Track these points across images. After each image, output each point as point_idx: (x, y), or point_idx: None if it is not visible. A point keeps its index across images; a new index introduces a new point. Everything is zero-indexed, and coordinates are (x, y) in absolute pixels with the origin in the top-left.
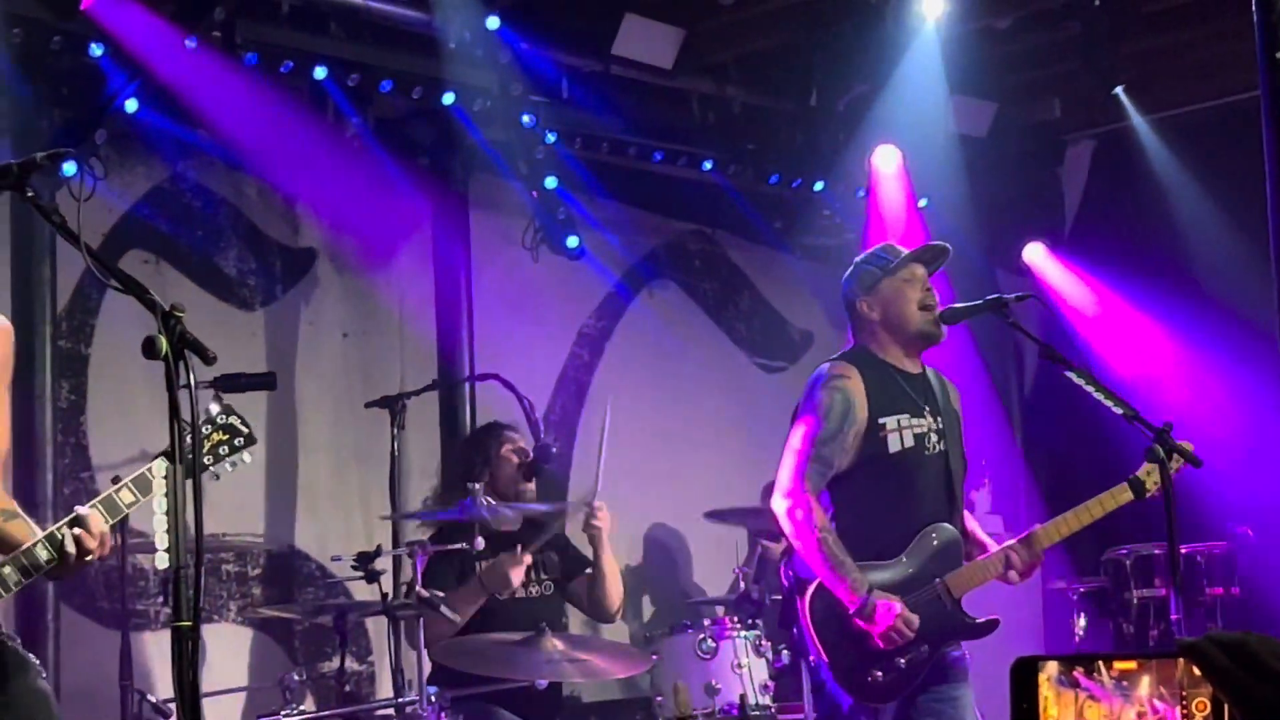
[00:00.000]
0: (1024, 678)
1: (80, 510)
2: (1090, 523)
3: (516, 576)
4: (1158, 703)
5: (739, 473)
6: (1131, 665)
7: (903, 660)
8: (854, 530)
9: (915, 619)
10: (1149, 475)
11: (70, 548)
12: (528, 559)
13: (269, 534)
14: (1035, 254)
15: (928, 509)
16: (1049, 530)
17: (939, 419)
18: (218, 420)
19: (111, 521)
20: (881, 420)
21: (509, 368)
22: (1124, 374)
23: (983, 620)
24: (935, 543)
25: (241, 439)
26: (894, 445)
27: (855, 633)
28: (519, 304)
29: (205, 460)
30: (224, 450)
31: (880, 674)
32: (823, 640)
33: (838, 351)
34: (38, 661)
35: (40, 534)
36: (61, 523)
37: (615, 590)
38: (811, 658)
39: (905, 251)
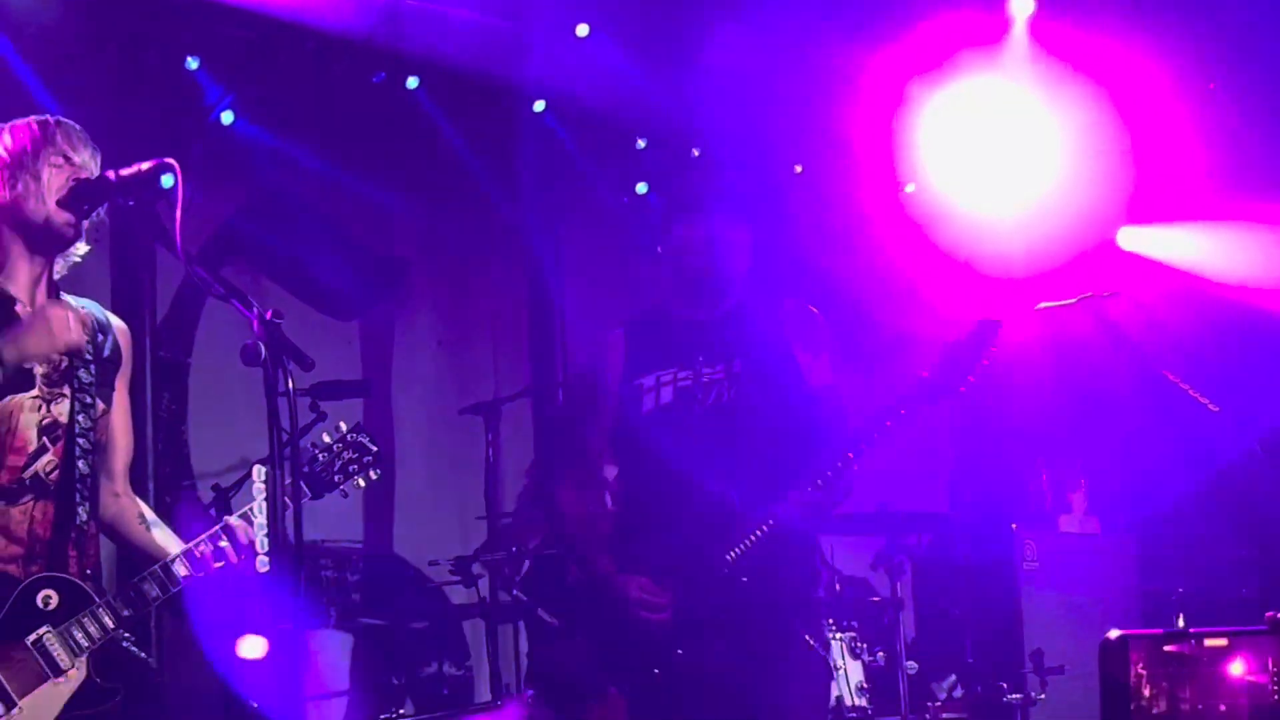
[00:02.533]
0: (1115, 655)
1: (230, 520)
2: None
3: None
4: (1250, 678)
5: None
6: (1223, 642)
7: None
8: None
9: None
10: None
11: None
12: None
13: (367, 540)
14: (1129, 237)
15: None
16: None
17: (717, 365)
18: (348, 438)
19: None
20: (637, 381)
21: None
22: None
23: None
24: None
25: (370, 457)
26: (648, 404)
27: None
28: (610, 309)
29: (335, 478)
30: (353, 468)
31: None
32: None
33: None
34: (155, 664)
35: (179, 542)
36: (202, 537)
37: None
38: None
39: None
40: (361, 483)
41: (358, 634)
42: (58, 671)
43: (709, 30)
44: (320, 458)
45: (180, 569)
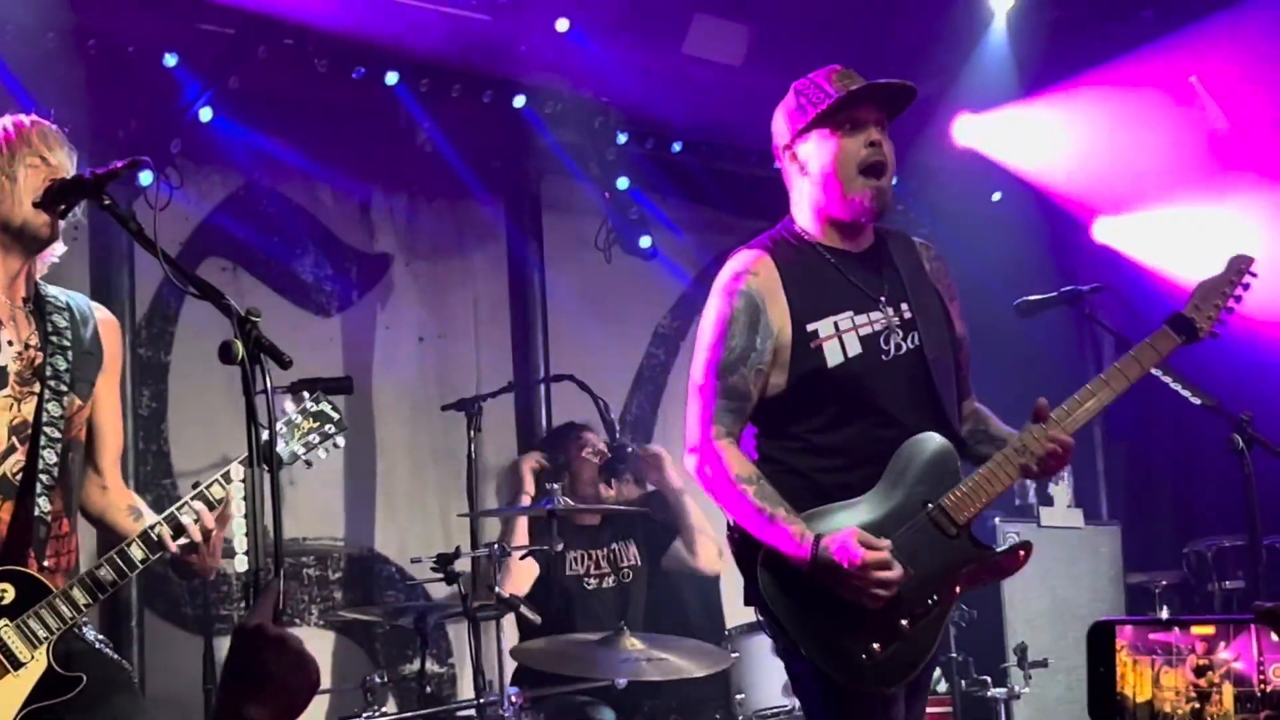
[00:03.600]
0: (1101, 642)
1: (188, 499)
2: (1124, 390)
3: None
4: (1235, 666)
5: None
6: (1209, 630)
7: (905, 621)
8: (799, 475)
9: (888, 558)
10: (1198, 310)
11: (193, 533)
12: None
13: (349, 537)
14: (1104, 228)
15: (899, 427)
16: (1072, 407)
17: (903, 306)
18: (309, 408)
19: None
20: (811, 327)
21: (584, 369)
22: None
23: (1008, 547)
24: (918, 461)
25: (332, 425)
26: (833, 357)
27: (826, 597)
28: (593, 305)
29: (298, 449)
30: (315, 438)
31: (878, 646)
32: (786, 619)
33: None
34: (127, 664)
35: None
36: (159, 518)
37: (702, 545)
38: (780, 645)
39: (853, 83)
40: (323, 454)
41: (339, 632)
42: (16, 664)
43: (691, 24)
44: (282, 429)
45: (136, 552)
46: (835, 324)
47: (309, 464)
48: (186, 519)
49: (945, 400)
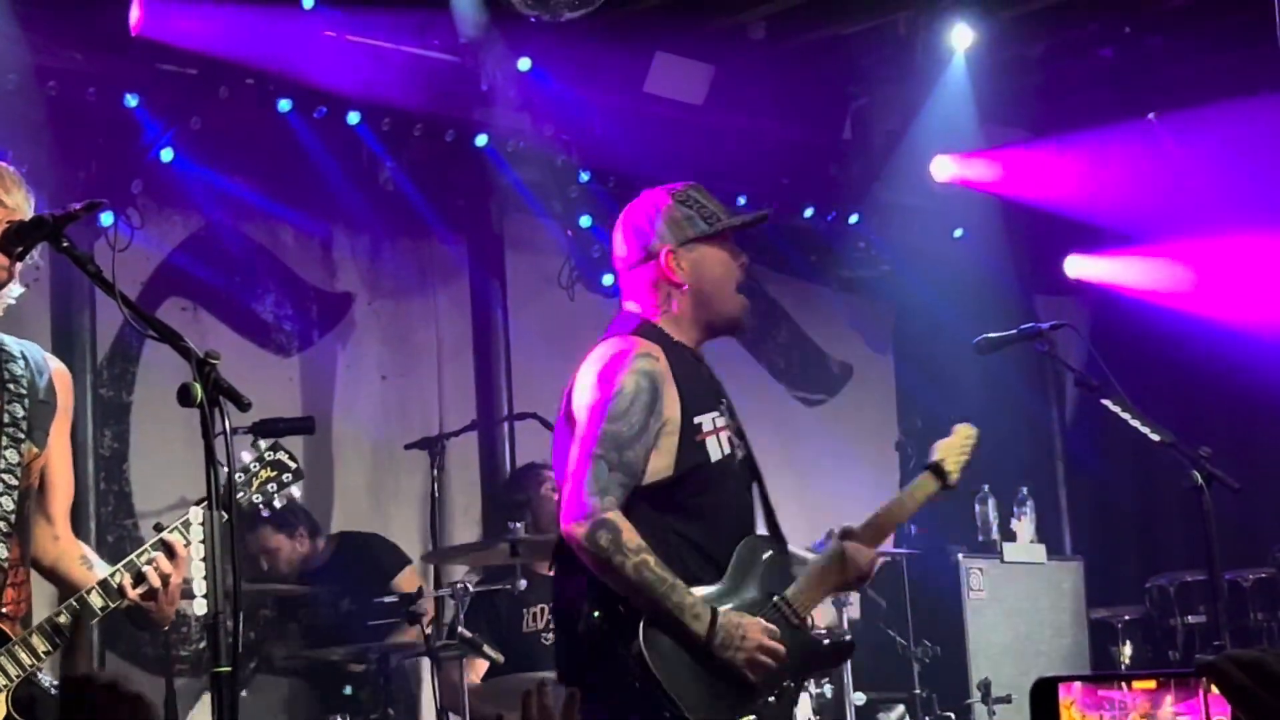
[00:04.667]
0: (1043, 699)
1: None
2: (906, 518)
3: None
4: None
5: (782, 507)
6: (1151, 684)
7: (772, 698)
8: (667, 559)
9: (777, 631)
10: (946, 458)
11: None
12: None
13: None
14: (1076, 265)
15: (746, 525)
16: (869, 528)
17: (734, 416)
18: (265, 456)
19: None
20: (697, 420)
21: (547, 406)
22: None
23: (836, 641)
24: (761, 556)
25: (289, 474)
26: (714, 453)
27: (711, 673)
28: (556, 342)
29: (255, 497)
30: (271, 486)
31: (753, 717)
32: (676, 692)
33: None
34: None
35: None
36: (118, 566)
37: None
38: (666, 715)
39: (726, 212)
40: (278, 503)
41: (298, 675)
42: None
43: (652, 63)
44: (240, 478)
45: (96, 600)
46: (714, 420)
47: (266, 512)
48: (145, 567)
49: (771, 506)
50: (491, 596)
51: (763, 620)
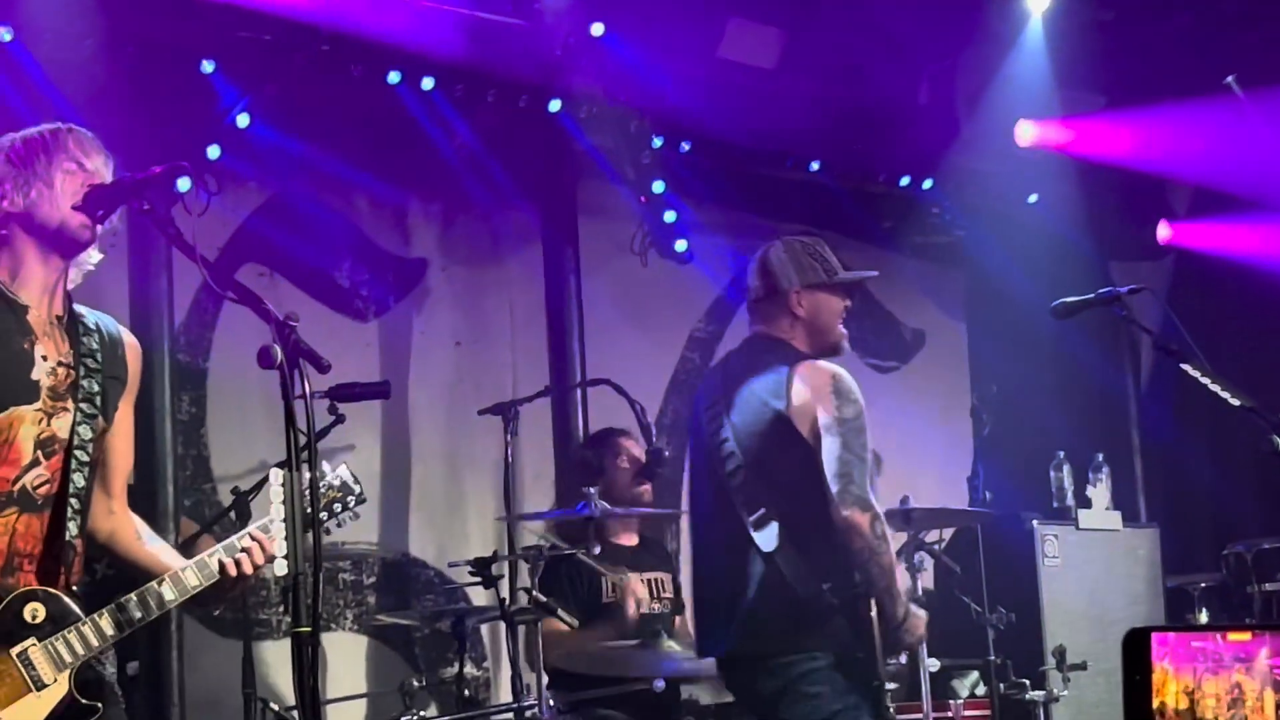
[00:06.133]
0: (1136, 650)
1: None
2: None
3: (640, 590)
4: (1276, 674)
5: None
6: (1246, 636)
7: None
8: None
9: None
10: None
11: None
12: (639, 588)
13: (383, 541)
14: (1164, 230)
15: None
16: None
17: None
18: (331, 482)
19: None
20: None
21: (620, 372)
22: None
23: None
24: None
25: (353, 497)
26: None
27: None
28: (629, 308)
29: (320, 516)
30: (336, 507)
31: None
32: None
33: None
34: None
35: (177, 556)
36: (204, 554)
37: None
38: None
39: (842, 269)
40: (338, 525)
41: (375, 636)
42: (40, 685)
43: (726, 28)
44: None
45: (168, 591)
46: None
47: (328, 531)
48: (240, 554)
49: None
50: (567, 560)
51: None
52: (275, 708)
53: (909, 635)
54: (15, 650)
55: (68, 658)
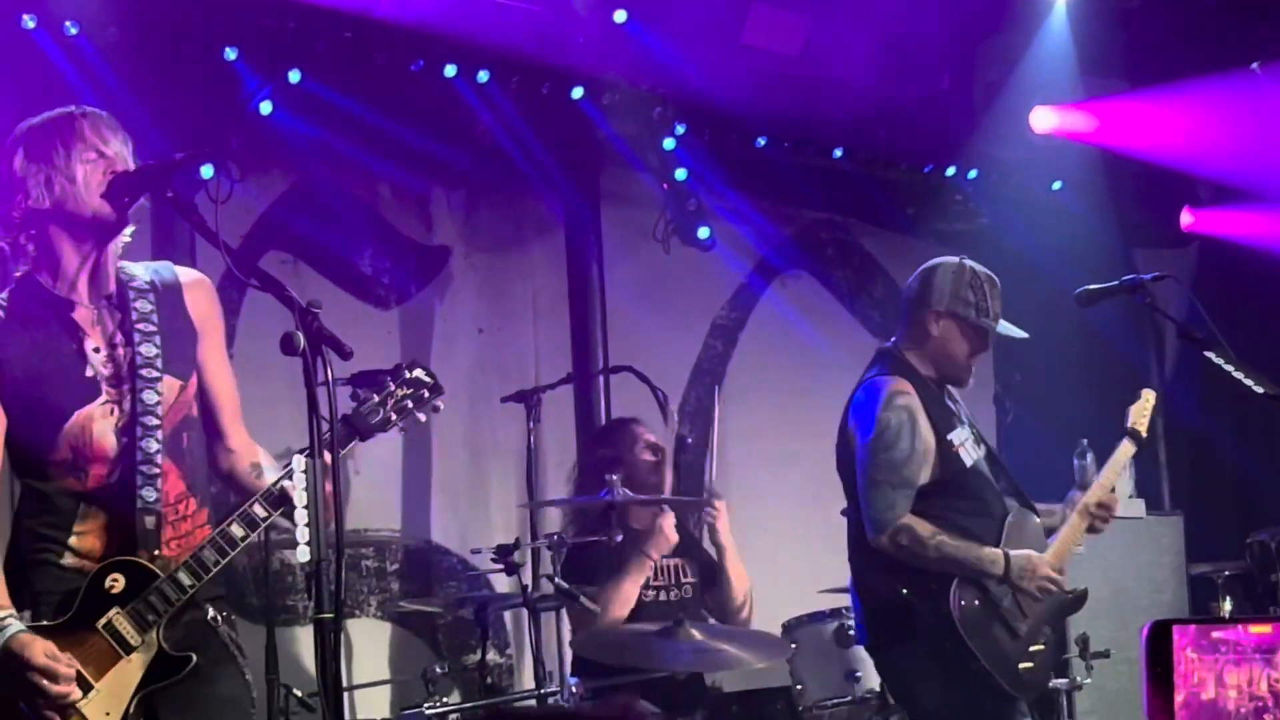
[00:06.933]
0: (1159, 641)
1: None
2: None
3: (668, 526)
4: None
5: None
6: (1267, 629)
7: (1043, 644)
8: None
9: (1059, 570)
10: (1139, 417)
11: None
12: (670, 518)
13: (406, 529)
14: (1188, 217)
15: (1000, 508)
16: (1095, 492)
17: (970, 425)
18: (404, 375)
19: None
20: (949, 437)
21: (642, 360)
22: None
23: (1076, 592)
24: (1024, 528)
25: (427, 390)
26: (967, 459)
27: (1001, 627)
28: (651, 296)
29: (392, 416)
30: (409, 403)
31: (1029, 664)
32: (977, 646)
33: (878, 327)
34: (243, 658)
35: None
36: (255, 498)
37: (738, 590)
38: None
39: (995, 319)
40: (422, 417)
41: (398, 623)
42: (128, 649)
43: (749, 14)
44: (374, 399)
45: (237, 530)
46: (960, 436)
47: (404, 430)
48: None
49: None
50: (590, 548)
51: (1046, 556)
52: (298, 693)
53: (1027, 580)
54: (101, 622)
55: (150, 617)
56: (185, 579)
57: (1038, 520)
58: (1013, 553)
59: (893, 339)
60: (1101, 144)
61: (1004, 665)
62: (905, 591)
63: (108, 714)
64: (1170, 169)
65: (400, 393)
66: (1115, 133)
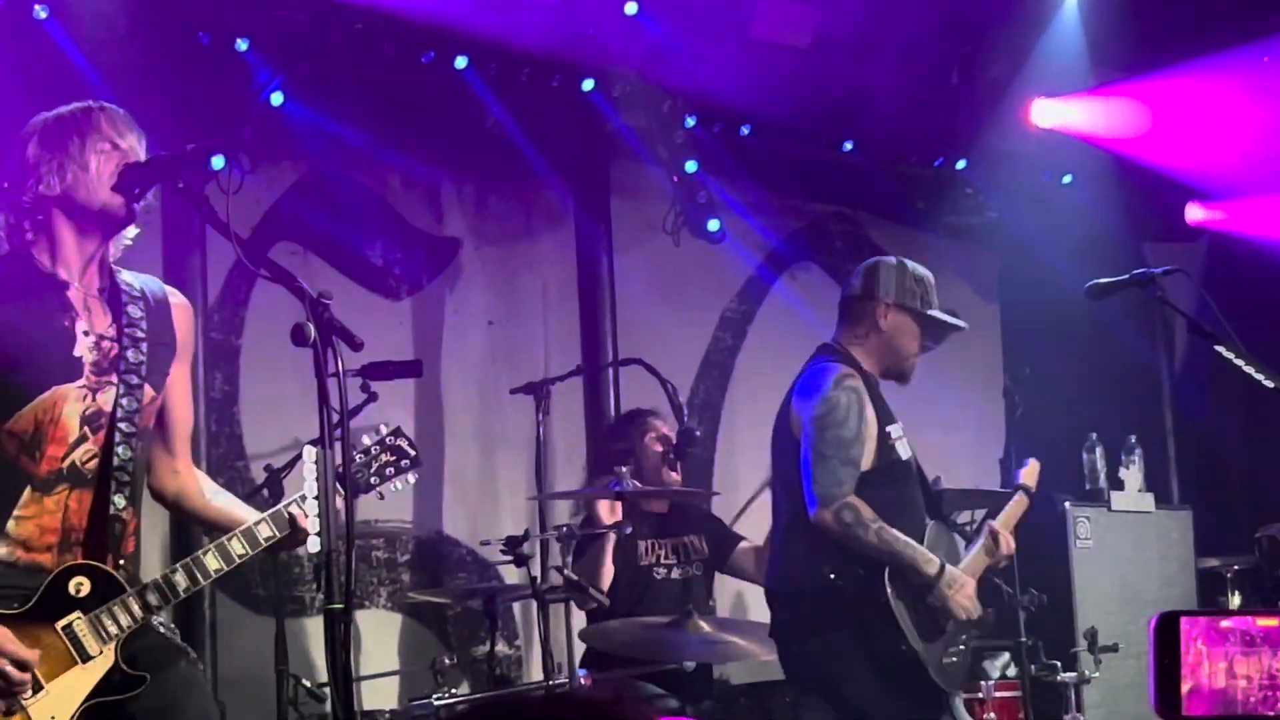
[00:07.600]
0: (1166, 633)
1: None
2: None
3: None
4: None
5: None
6: (1274, 622)
7: (963, 647)
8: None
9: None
10: (1029, 478)
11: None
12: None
13: (417, 520)
14: (1195, 211)
15: (922, 511)
16: (1007, 518)
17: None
18: (387, 441)
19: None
20: (888, 428)
21: (652, 352)
22: None
23: (987, 615)
24: (940, 542)
25: (408, 460)
26: (902, 453)
27: (926, 619)
28: (661, 288)
29: (372, 479)
30: (390, 471)
31: (955, 659)
32: (908, 628)
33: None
34: (192, 652)
35: (244, 508)
36: (249, 523)
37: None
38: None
39: (940, 309)
40: (398, 486)
41: (408, 614)
42: (85, 657)
43: (758, 7)
44: (357, 459)
45: (211, 561)
46: (897, 431)
47: (381, 496)
48: (295, 510)
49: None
50: (598, 539)
51: (972, 580)
52: (308, 684)
53: (954, 592)
54: (60, 624)
55: (113, 630)
56: (153, 599)
57: (956, 536)
58: (948, 564)
59: (832, 337)
60: (1108, 138)
61: (930, 655)
62: (833, 576)
63: (53, 718)
64: (1178, 163)
65: (384, 458)
66: (1124, 126)
